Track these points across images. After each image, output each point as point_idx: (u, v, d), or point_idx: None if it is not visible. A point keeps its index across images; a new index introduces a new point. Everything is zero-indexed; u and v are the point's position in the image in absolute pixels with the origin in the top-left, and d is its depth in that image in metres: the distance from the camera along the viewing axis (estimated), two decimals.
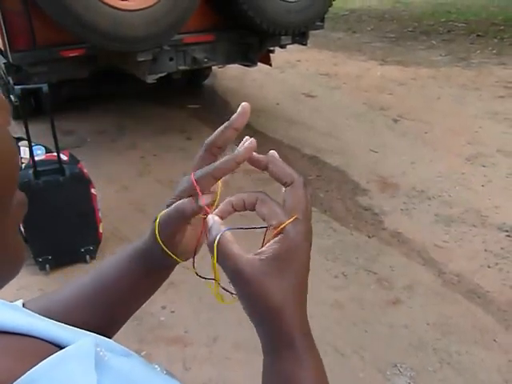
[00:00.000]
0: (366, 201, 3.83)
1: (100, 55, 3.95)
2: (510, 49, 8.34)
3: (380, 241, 3.34)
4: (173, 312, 2.74)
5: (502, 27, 9.93)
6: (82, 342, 0.41)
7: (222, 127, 0.58)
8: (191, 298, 2.83)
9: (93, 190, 3.04)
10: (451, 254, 3.20)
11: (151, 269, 0.65)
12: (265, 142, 4.84)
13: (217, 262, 0.52)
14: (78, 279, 0.68)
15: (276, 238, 0.51)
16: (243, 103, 0.57)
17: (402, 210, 3.70)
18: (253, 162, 0.57)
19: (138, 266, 0.64)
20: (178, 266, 2.63)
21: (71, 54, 3.70)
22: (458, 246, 3.28)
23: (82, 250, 3.04)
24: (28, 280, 2.90)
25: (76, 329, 0.47)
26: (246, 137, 0.57)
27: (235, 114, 0.58)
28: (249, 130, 5.12)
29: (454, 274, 3.00)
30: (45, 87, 2.74)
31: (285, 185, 0.56)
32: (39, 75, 3.72)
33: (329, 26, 5.02)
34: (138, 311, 2.34)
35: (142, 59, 3.75)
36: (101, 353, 0.42)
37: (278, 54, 5.13)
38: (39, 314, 0.49)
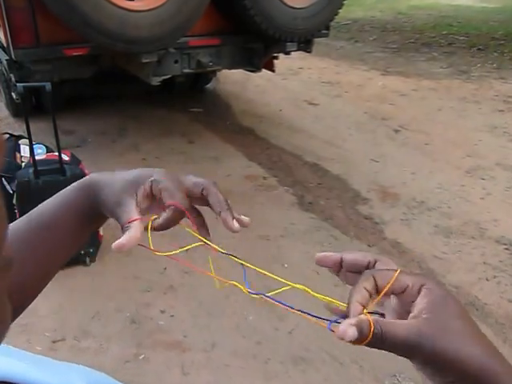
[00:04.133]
0: (366, 210, 3.83)
1: (104, 55, 3.93)
2: (509, 63, 8.38)
3: (380, 250, 3.33)
4: (172, 316, 2.71)
5: (502, 42, 9.98)
6: None
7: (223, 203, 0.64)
8: (190, 303, 2.81)
9: None
10: (450, 265, 3.21)
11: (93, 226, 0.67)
12: (265, 148, 4.84)
13: (373, 346, 0.47)
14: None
15: (421, 294, 0.49)
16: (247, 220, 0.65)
17: (401, 220, 3.70)
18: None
19: (85, 224, 0.66)
20: (177, 270, 2.57)
21: (75, 53, 3.66)
22: (456, 257, 3.29)
23: (82, 252, 3.00)
24: None
25: (68, 365, 0.47)
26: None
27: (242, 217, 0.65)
28: (251, 136, 5.13)
29: (453, 286, 3.00)
30: (48, 85, 2.71)
31: None
32: (42, 73, 3.68)
33: (331, 35, 5.02)
34: (136, 315, 2.29)
35: (147, 61, 3.72)
36: None
37: (280, 61, 5.12)
38: None
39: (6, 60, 3.79)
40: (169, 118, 5.59)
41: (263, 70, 4.88)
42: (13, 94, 4.58)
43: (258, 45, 4.45)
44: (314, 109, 6.08)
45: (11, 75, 3.88)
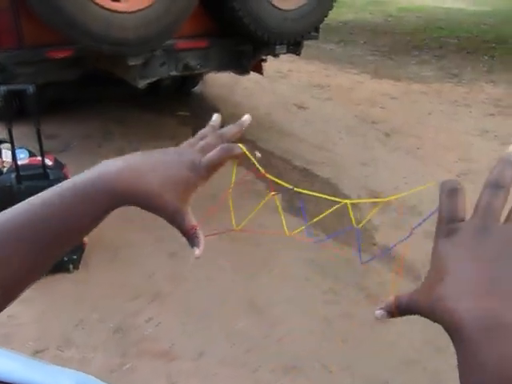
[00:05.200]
0: (356, 215, 3.83)
1: (89, 58, 3.89)
2: (500, 67, 8.48)
3: (370, 256, 3.37)
4: (159, 324, 2.70)
5: (493, 45, 10.13)
6: None
7: (231, 126, 0.72)
8: (178, 310, 2.80)
9: None
10: None
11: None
12: (255, 152, 4.84)
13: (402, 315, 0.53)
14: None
15: None
16: (247, 115, 0.72)
17: (392, 225, 3.71)
18: None
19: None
20: (165, 276, 2.57)
21: (59, 56, 3.63)
22: None
23: (66, 259, 2.98)
24: None
25: (58, 368, 0.48)
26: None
27: (241, 120, 0.73)
28: (239, 139, 5.11)
29: None
30: (30, 88, 2.69)
31: None
32: (25, 76, 3.63)
33: (320, 37, 5.05)
34: (122, 323, 2.29)
35: (133, 63, 3.69)
36: None
37: (268, 64, 5.14)
38: None
39: None
40: (156, 121, 5.58)
41: (252, 73, 4.88)
42: None
43: (247, 47, 4.44)
44: (304, 112, 6.10)
45: None
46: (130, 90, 4.63)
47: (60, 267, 2.98)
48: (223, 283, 3.05)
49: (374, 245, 3.48)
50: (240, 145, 0.66)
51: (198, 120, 5.66)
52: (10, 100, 4.07)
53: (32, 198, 0.62)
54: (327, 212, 0.75)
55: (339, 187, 4.24)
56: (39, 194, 0.62)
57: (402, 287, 3.01)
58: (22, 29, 3.47)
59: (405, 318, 2.06)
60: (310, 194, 0.69)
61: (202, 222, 0.66)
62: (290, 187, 0.69)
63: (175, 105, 6.05)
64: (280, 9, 4.11)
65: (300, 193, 0.67)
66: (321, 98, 6.72)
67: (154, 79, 4.12)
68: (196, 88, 6.58)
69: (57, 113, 5.28)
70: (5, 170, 2.99)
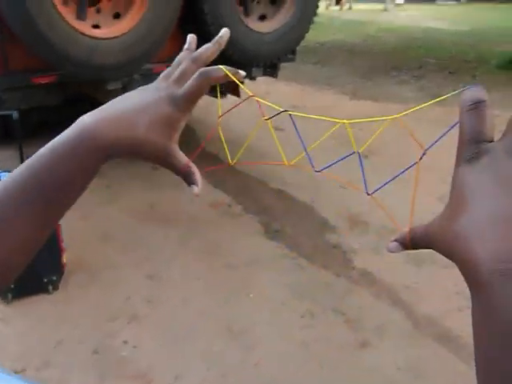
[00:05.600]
0: (334, 238, 3.90)
1: (71, 83, 4.06)
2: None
3: (349, 280, 3.39)
4: (135, 347, 2.76)
5: (473, 64, 10.33)
6: None
7: (209, 45, 0.66)
8: (154, 333, 2.86)
9: None
10: (422, 295, 3.25)
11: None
12: (231, 174, 4.92)
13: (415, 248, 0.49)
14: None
15: None
16: (224, 29, 0.68)
17: (371, 248, 3.76)
18: None
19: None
20: (141, 299, 2.64)
21: (43, 81, 3.80)
22: (428, 287, 3.33)
23: (45, 281, 3.11)
24: None
25: None
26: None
27: (218, 35, 0.67)
28: (216, 161, 5.19)
29: (425, 317, 3.04)
30: (15, 114, 2.78)
31: None
32: (10, 101, 3.82)
33: (297, 59, 5.19)
34: (99, 345, 2.34)
35: (113, 88, 3.88)
36: None
37: (245, 86, 5.23)
38: None
39: None
40: None
41: (228, 96, 4.98)
42: None
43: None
44: (281, 133, 6.16)
45: None
46: None
47: (40, 288, 3.08)
48: (200, 306, 3.10)
49: (353, 268, 3.51)
50: (221, 66, 0.62)
51: (180, 140, 5.70)
52: None
53: (21, 166, 0.58)
54: (327, 134, 0.73)
55: (316, 210, 4.31)
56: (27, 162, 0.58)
57: (380, 310, 3.08)
58: (8, 55, 3.65)
59: (385, 344, 2.17)
60: (304, 116, 0.65)
61: (196, 159, 0.65)
62: (282, 110, 0.66)
63: None
64: (256, 32, 4.29)
65: (291, 116, 0.66)
66: (298, 119, 6.81)
67: None
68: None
69: (41, 136, 5.31)
70: None
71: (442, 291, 3.28)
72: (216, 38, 0.66)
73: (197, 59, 0.64)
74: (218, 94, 0.69)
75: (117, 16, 3.78)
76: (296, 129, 0.67)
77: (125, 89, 3.97)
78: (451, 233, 0.42)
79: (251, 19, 4.39)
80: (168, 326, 2.92)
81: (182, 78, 0.61)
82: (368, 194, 0.59)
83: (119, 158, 0.60)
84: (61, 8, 3.40)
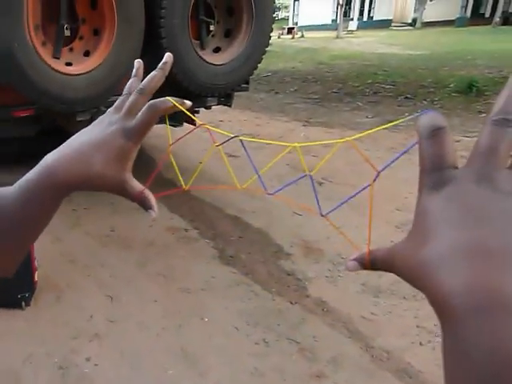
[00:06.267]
0: (289, 265, 3.93)
1: (45, 115, 4.45)
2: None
3: (303, 308, 3.42)
4: (96, 365, 2.86)
5: (431, 89, 10.55)
6: None
7: (153, 73, 0.68)
8: (113, 353, 2.95)
9: None
10: (380, 327, 3.24)
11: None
12: (187, 200, 4.97)
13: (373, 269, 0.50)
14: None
15: None
16: (167, 54, 0.70)
17: (326, 277, 3.80)
18: None
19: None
20: (103, 318, 2.75)
21: (22, 114, 4.23)
22: (387, 319, 3.32)
23: (19, 297, 3.34)
24: None
25: None
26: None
27: (162, 62, 0.70)
28: (170, 186, 5.20)
29: (383, 350, 3.01)
30: None
31: None
32: None
33: (251, 87, 5.36)
34: (64, 361, 2.39)
35: (81, 119, 4.29)
36: None
37: (201, 115, 5.42)
38: None
39: None
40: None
41: (185, 124, 5.17)
42: None
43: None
44: (236, 161, 6.24)
45: None
46: None
47: (14, 303, 3.31)
48: (156, 328, 3.18)
49: (308, 297, 3.53)
50: (168, 98, 0.67)
51: (135, 168, 5.71)
52: None
53: None
54: (277, 157, 0.75)
55: (271, 236, 4.39)
56: None
57: (336, 340, 3.12)
58: None
59: (340, 377, 2.23)
60: (255, 141, 0.71)
61: (150, 184, 0.70)
62: (233, 136, 0.70)
63: None
64: (211, 64, 4.66)
65: (242, 141, 0.70)
66: (252, 146, 6.90)
67: None
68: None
69: (20, 164, 5.43)
70: None
71: (402, 324, 3.27)
72: (160, 64, 0.70)
73: (144, 90, 0.68)
74: (167, 123, 0.74)
75: (87, 54, 4.24)
76: (247, 153, 0.71)
77: (92, 119, 4.25)
78: (416, 261, 0.42)
79: (206, 52, 4.78)
80: (127, 346, 3.01)
81: (131, 111, 0.66)
82: (322, 215, 0.60)
83: (80, 190, 0.66)
84: (39, 49, 3.83)
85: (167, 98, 0.66)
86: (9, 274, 0.75)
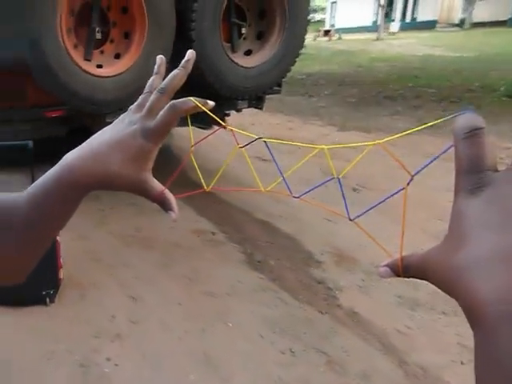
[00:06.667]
0: (319, 273, 3.90)
1: (75, 116, 4.64)
2: (489, 118, 8.16)
3: (333, 318, 3.36)
4: (116, 365, 2.89)
5: (478, 94, 10.20)
6: None
7: (175, 72, 0.69)
8: (134, 354, 2.99)
9: (57, 237, 3.38)
10: (415, 342, 3.15)
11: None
12: (215, 203, 4.98)
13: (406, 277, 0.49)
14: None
15: None
16: (189, 51, 0.71)
17: (359, 286, 3.74)
18: None
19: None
20: (125, 319, 2.72)
21: (53, 115, 4.43)
22: (424, 334, 3.23)
23: (44, 293, 3.44)
24: None
25: None
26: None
27: (184, 60, 0.70)
28: (195, 187, 5.21)
29: (419, 367, 2.92)
30: (30, 143, 3.38)
31: None
32: (26, 132, 4.44)
33: (284, 90, 5.35)
34: (85, 359, 2.43)
35: (110, 120, 4.40)
36: None
37: (232, 118, 5.45)
38: None
39: None
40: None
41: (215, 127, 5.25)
42: None
43: None
44: (264, 164, 6.23)
45: None
46: None
47: (38, 300, 3.43)
48: (179, 331, 3.22)
49: (338, 307, 3.48)
50: (191, 98, 0.67)
51: (162, 171, 5.74)
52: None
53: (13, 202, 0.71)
54: (304, 160, 0.76)
55: (301, 243, 4.36)
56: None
57: (367, 353, 3.05)
58: (28, 92, 4.36)
59: None
60: (279, 143, 0.71)
61: (173, 185, 0.70)
62: (257, 137, 0.70)
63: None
64: (242, 66, 4.77)
65: (266, 143, 0.69)
66: (282, 150, 6.87)
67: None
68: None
69: (51, 164, 5.60)
70: None
71: (440, 340, 3.17)
72: (182, 62, 0.71)
73: (165, 89, 0.69)
74: (189, 124, 0.74)
75: (117, 56, 4.42)
76: (271, 155, 0.71)
77: None
78: (451, 267, 0.41)
79: (238, 55, 4.87)
80: (148, 348, 3.05)
81: (152, 111, 0.67)
82: (350, 220, 0.60)
83: (99, 189, 0.68)
84: (71, 51, 4.03)
85: (189, 98, 0.66)
86: (23, 278, 0.80)
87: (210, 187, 0.73)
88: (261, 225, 4.71)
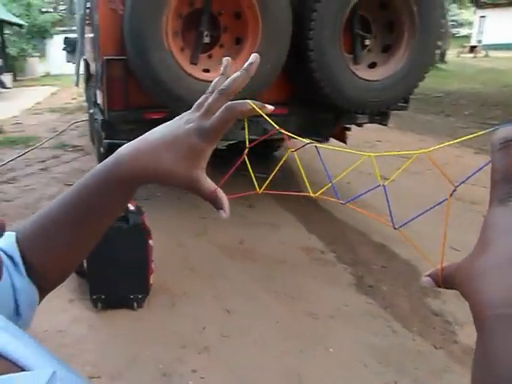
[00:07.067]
0: (437, 304, 3.76)
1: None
2: None
3: (449, 354, 3.20)
4: (202, 378, 2.92)
5: None
6: (39, 372, 0.49)
7: (237, 74, 0.70)
8: (222, 368, 3.01)
9: (150, 242, 3.59)
10: None
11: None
12: (327, 221, 4.95)
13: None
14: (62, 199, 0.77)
15: None
16: (254, 55, 0.72)
17: None
18: None
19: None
20: (216, 332, 2.85)
21: (154, 117, 4.59)
22: None
23: (132, 297, 3.58)
24: (80, 314, 3.54)
25: (52, 358, 0.57)
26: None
27: (248, 62, 0.71)
28: (313, 206, 5.26)
29: None
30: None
31: None
32: (125, 132, 4.68)
33: (416, 108, 5.25)
34: (169, 368, 2.53)
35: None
36: None
37: (355, 133, 5.35)
38: (35, 233, 0.75)
39: (101, 120, 5.00)
40: (233, 181, 5.86)
41: (335, 141, 5.37)
42: (101, 148, 5.63)
43: (327, 115, 5.02)
44: (388, 185, 6.11)
45: (102, 133, 4.99)
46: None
47: (126, 303, 3.58)
48: (274, 350, 3.20)
49: (456, 342, 3.31)
50: (248, 101, 0.69)
51: (275, 183, 5.84)
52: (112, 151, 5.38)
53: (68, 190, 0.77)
54: (352, 167, 0.78)
55: (419, 270, 4.21)
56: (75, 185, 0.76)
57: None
58: (129, 94, 4.57)
59: None
60: (330, 149, 0.72)
61: (223, 185, 0.74)
62: (308, 142, 0.73)
63: (253, 166, 6.35)
64: (364, 79, 4.65)
65: (317, 148, 0.70)
66: (410, 170, 6.73)
67: (233, 142, 4.86)
68: (276, 153, 7.29)
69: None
70: None
71: None
72: (245, 64, 0.72)
73: (224, 91, 0.70)
74: (246, 129, 0.79)
75: None
76: (321, 160, 0.74)
77: None
78: (470, 271, 0.43)
79: (360, 67, 4.77)
80: (238, 364, 3.04)
81: (209, 111, 0.69)
82: (395, 228, 0.62)
83: (149, 183, 0.73)
84: (177, 54, 4.19)
85: (247, 100, 0.68)
86: (65, 278, 0.84)
87: (262, 190, 0.74)
88: (376, 247, 4.62)
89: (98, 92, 5.03)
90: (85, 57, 6.81)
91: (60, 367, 0.57)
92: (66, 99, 15.89)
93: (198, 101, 0.72)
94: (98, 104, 5.22)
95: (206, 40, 4.45)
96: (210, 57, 4.54)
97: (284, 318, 3.48)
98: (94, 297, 3.59)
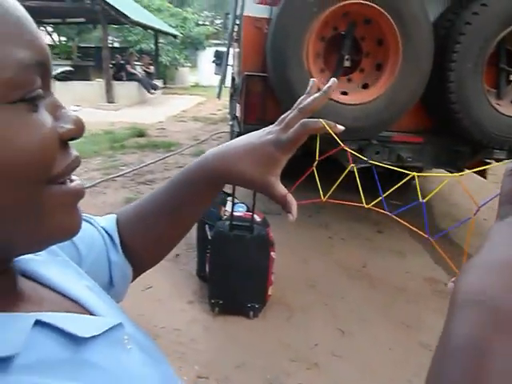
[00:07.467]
0: None
1: (306, 140, 5.18)
2: None
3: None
4: None
5: None
6: (106, 319, 0.60)
7: (316, 95, 0.80)
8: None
9: (272, 254, 3.72)
10: None
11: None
12: (459, 255, 5.08)
13: None
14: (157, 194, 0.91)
15: None
16: (332, 79, 0.81)
17: None
18: None
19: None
20: (327, 350, 3.59)
21: None
22: None
23: (249, 306, 3.73)
24: (198, 315, 3.74)
25: (127, 319, 0.67)
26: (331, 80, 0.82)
27: (327, 85, 0.81)
28: (444, 239, 5.25)
29: None
30: None
31: None
32: None
33: None
34: (276, 379, 3.20)
35: (346, 148, 4.74)
36: (125, 341, 0.59)
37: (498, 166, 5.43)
38: (135, 220, 0.89)
39: (237, 132, 5.28)
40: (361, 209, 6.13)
41: (475, 176, 5.37)
42: None
43: (464, 148, 5.03)
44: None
45: None
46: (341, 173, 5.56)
47: (242, 311, 3.76)
48: (384, 377, 3.24)
49: None
50: (321, 120, 0.77)
51: (407, 212, 5.95)
52: None
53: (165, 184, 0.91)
54: (400, 183, 0.85)
55: None
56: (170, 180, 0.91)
57: None
58: (265, 109, 4.82)
59: None
60: (384, 167, 0.81)
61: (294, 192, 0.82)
62: (366, 159, 0.82)
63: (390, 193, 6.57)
64: (505, 115, 4.59)
65: (373, 167, 0.84)
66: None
67: (366, 165, 5.01)
68: (414, 181, 7.22)
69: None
70: (224, 217, 3.98)
71: None
72: (325, 87, 0.80)
73: (303, 109, 0.80)
74: (317, 145, 0.91)
75: (365, 86, 4.57)
76: (375, 177, 0.87)
77: (361, 150, 4.78)
78: (462, 270, 0.48)
79: (503, 102, 4.67)
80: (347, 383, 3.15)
81: (288, 125, 0.80)
82: (429, 239, 0.68)
83: (230, 184, 0.85)
84: (315, 75, 4.30)
85: (320, 119, 0.79)
86: (157, 262, 0.97)
87: (326, 198, 0.82)
88: None
89: (238, 105, 5.33)
90: (232, 71, 7.16)
91: (131, 326, 0.67)
92: (211, 110, 16.37)
93: (283, 115, 0.82)
94: (237, 117, 5.49)
95: (347, 64, 4.56)
96: (349, 80, 4.65)
97: (396, 346, 3.53)
98: (213, 301, 3.76)
